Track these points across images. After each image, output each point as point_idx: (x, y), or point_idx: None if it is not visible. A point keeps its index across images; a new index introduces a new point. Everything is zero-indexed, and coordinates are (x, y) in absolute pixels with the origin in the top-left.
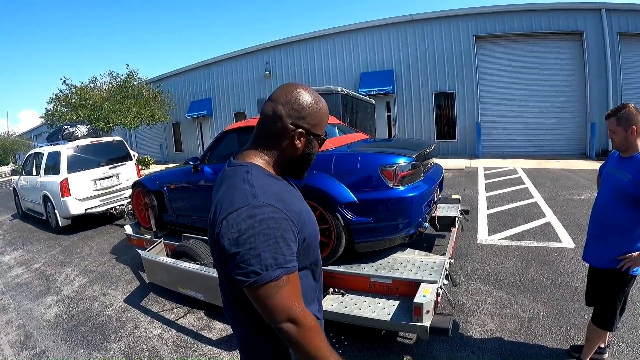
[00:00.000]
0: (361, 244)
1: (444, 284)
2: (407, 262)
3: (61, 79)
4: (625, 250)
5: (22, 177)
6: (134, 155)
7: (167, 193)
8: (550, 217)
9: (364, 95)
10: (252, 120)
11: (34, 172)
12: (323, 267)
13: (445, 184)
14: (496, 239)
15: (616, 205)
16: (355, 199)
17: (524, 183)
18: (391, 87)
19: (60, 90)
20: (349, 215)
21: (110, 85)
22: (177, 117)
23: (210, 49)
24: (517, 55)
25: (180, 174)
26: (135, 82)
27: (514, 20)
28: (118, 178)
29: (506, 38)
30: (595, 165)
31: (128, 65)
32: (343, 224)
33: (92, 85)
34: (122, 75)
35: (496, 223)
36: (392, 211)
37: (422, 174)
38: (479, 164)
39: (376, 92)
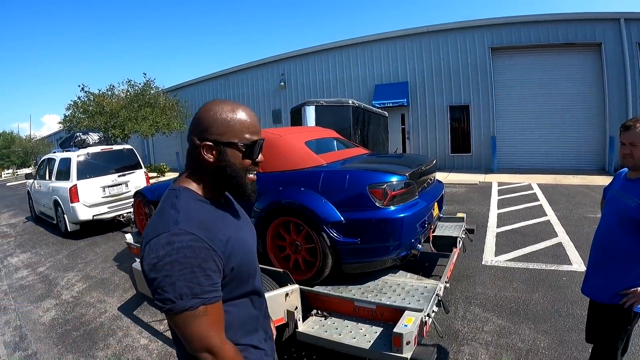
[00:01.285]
0: (349, 265)
1: (433, 311)
2: (396, 286)
3: (79, 85)
4: (629, 284)
5: (35, 181)
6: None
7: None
8: (562, 236)
9: (378, 107)
10: None
11: (47, 177)
12: (308, 288)
13: (456, 200)
14: (502, 260)
15: (621, 233)
16: (342, 218)
17: (538, 200)
18: (406, 100)
19: (79, 97)
20: (335, 235)
21: (128, 94)
22: None
23: (226, 60)
24: (533, 67)
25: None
26: (152, 91)
27: (530, 31)
28: (127, 186)
29: (522, 49)
30: None
31: (145, 74)
32: (329, 244)
33: (109, 92)
34: (139, 83)
35: (504, 242)
36: (380, 232)
37: (417, 193)
38: (494, 179)
39: (390, 105)
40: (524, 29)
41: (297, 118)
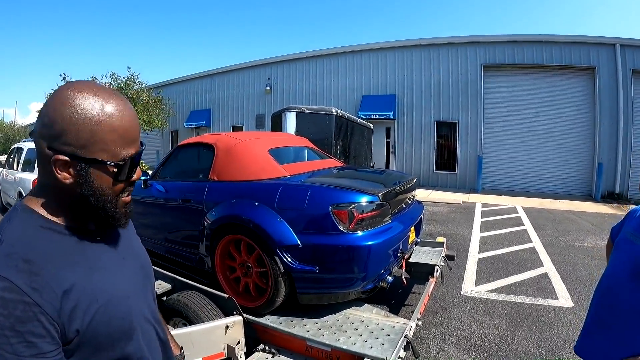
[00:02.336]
0: (305, 295)
1: (399, 357)
2: (359, 323)
3: (60, 75)
4: (638, 349)
5: (4, 170)
6: None
7: None
8: (548, 266)
9: (364, 119)
10: (207, 136)
11: (15, 167)
12: (256, 319)
13: (438, 220)
14: (483, 290)
15: (632, 286)
16: (298, 242)
17: (523, 224)
18: (392, 113)
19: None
20: (289, 261)
21: (110, 87)
22: (176, 125)
23: (213, 60)
24: (525, 88)
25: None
26: (135, 86)
27: (525, 51)
28: None
29: (515, 69)
30: (601, 208)
31: (130, 68)
32: (282, 270)
33: None
34: (123, 77)
35: (486, 270)
36: (343, 261)
37: (391, 215)
38: (478, 199)
39: (376, 117)
40: (518, 48)
41: (277, 124)
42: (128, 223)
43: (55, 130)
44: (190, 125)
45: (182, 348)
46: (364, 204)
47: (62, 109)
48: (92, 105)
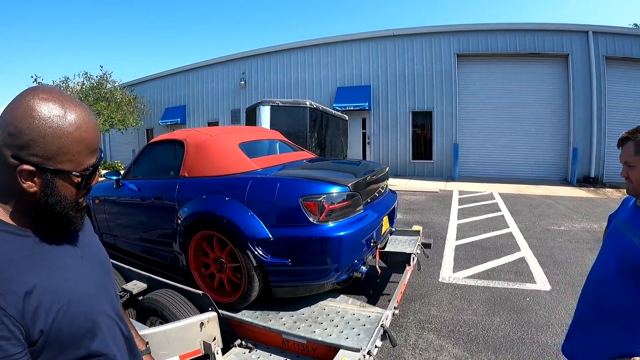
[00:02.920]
0: (279, 288)
1: (376, 347)
2: (335, 314)
3: (32, 77)
4: (626, 350)
5: None
6: None
7: (93, 208)
8: (525, 251)
9: (339, 110)
10: (177, 132)
11: None
12: (232, 314)
13: (415, 209)
14: (461, 277)
15: (621, 282)
16: (270, 235)
17: (499, 210)
18: (367, 104)
19: None
20: (261, 255)
21: (83, 87)
22: (151, 123)
23: (188, 55)
24: (499, 76)
25: (105, 188)
26: (108, 85)
27: (498, 40)
28: None
29: (489, 57)
30: (577, 192)
31: (102, 67)
32: (255, 264)
33: (63, 85)
34: (95, 76)
35: (464, 257)
36: (314, 253)
37: (363, 205)
38: (455, 187)
39: (352, 108)
40: (492, 36)
41: (251, 118)
42: (84, 224)
43: (22, 141)
44: (166, 122)
45: (147, 343)
46: (334, 194)
47: (30, 119)
48: (60, 117)
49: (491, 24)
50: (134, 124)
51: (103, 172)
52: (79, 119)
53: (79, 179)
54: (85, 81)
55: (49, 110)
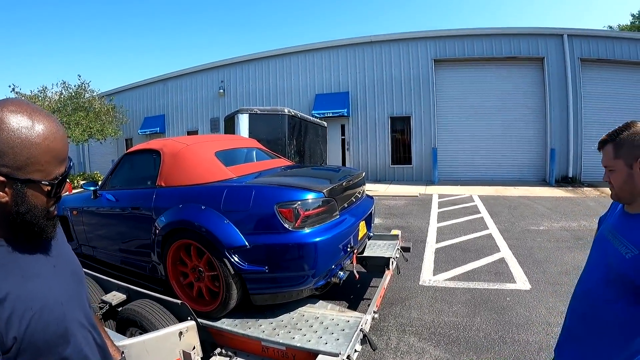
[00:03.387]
0: (258, 296)
1: (356, 351)
2: (314, 320)
3: (10, 86)
4: None
5: None
6: None
7: (71, 219)
8: (504, 251)
9: (318, 117)
10: (153, 142)
11: None
12: (211, 323)
13: (395, 213)
14: (441, 279)
15: (607, 294)
16: (246, 242)
17: (479, 212)
18: (346, 110)
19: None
20: (238, 262)
21: (61, 96)
22: (130, 132)
23: (166, 65)
24: (476, 80)
25: (82, 199)
26: (87, 94)
27: (474, 44)
28: None
29: (466, 62)
30: (556, 192)
31: (80, 76)
32: (233, 272)
33: (41, 95)
34: (74, 86)
35: (444, 259)
36: (290, 260)
37: (338, 211)
38: (434, 190)
39: (330, 115)
40: (468, 41)
41: (230, 126)
42: (55, 233)
43: None
44: (145, 132)
45: (123, 353)
46: (309, 201)
47: (3, 134)
48: (28, 129)
49: (467, 29)
50: (113, 133)
51: (81, 182)
52: (46, 130)
53: (49, 188)
54: (63, 90)
55: (17, 122)
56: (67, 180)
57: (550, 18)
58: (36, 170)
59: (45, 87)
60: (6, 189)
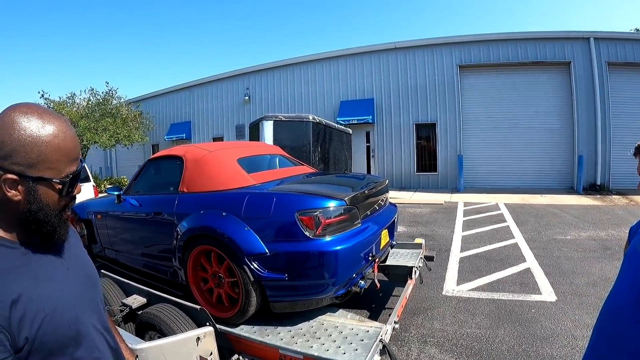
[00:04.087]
0: (277, 303)
1: None
2: (333, 329)
3: (39, 92)
4: None
5: None
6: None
7: (95, 223)
8: (530, 261)
9: (343, 124)
10: (176, 148)
11: None
12: (228, 329)
13: (420, 221)
14: (465, 289)
15: (638, 314)
16: (266, 250)
17: (505, 221)
18: (371, 117)
19: None
20: (258, 269)
21: (89, 102)
22: (156, 138)
23: (192, 72)
24: (502, 86)
25: (107, 204)
26: (114, 101)
27: (500, 50)
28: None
29: (491, 67)
30: (583, 200)
31: (108, 83)
32: (252, 279)
33: (70, 101)
34: (101, 92)
35: (468, 269)
36: (310, 268)
37: (360, 219)
38: (460, 198)
39: (355, 122)
40: (493, 46)
41: (255, 133)
42: (67, 235)
43: (4, 152)
44: (171, 138)
45: (137, 356)
46: (330, 209)
47: (11, 131)
48: (39, 127)
49: (492, 34)
50: (140, 139)
51: (107, 187)
52: (56, 129)
53: (60, 186)
54: (91, 97)
55: (28, 121)
56: (78, 181)
57: (574, 22)
58: (47, 168)
59: (74, 94)
60: (19, 187)
